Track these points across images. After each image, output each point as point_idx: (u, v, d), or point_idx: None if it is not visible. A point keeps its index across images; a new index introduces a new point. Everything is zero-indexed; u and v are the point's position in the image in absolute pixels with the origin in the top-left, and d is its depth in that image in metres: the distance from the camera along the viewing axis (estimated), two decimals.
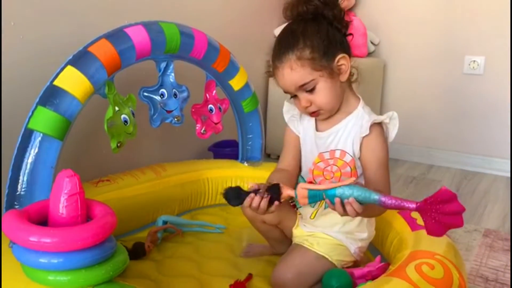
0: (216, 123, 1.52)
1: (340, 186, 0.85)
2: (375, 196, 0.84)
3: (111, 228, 0.81)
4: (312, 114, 1.02)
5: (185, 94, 1.40)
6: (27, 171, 0.99)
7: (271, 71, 1.02)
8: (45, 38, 1.27)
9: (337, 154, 1.02)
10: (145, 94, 1.32)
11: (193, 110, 1.49)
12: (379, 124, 1.00)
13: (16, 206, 0.97)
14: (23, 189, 0.98)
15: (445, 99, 2.35)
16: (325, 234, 1.06)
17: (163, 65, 1.33)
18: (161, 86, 1.35)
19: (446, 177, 2.20)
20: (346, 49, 1.00)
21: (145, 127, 1.36)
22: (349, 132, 1.01)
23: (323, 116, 1.03)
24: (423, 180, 2.15)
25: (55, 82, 1.04)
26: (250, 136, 1.62)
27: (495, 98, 2.22)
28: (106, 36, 1.14)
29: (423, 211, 0.83)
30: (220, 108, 1.52)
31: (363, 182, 1.01)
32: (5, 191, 0.99)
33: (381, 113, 2.44)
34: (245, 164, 1.61)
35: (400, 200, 0.83)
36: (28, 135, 1.00)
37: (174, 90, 1.37)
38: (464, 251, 1.40)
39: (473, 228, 1.61)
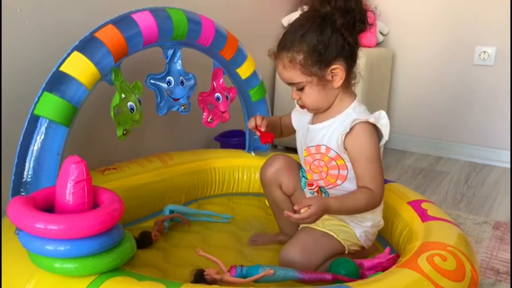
0: (223, 112, 1.50)
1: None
2: (293, 273, 0.93)
3: (118, 215, 0.80)
4: (300, 107, 1.09)
5: (192, 82, 1.38)
6: (33, 158, 0.98)
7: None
8: (51, 23, 1.26)
9: (323, 149, 1.05)
10: (152, 81, 1.31)
11: (200, 98, 1.47)
12: (366, 122, 1.00)
13: (22, 193, 0.96)
14: (29, 176, 0.97)
15: (454, 90, 2.32)
16: (330, 216, 1.08)
17: (170, 52, 1.31)
18: (168, 73, 1.33)
19: (454, 169, 2.17)
20: (348, 57, 1.00)
21: (151, 115, 1.34)
22: (334, 130, 1.04)
23: (310, 111, 1.09)
24: (431, 171, 2.13)
25: (62, 68, 1.03)
26: None
27: (506, 89, 2.18)
28: (113, 21, 1.12)
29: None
30: (227, 96, 1.50)
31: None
32: (11, 177, 0.98)
33: (389, 104, 2.44)
34: (252, 153, 1.59)
35: (316, 274, 0.94)
36: (34, 121, 0.98)
37: (181, 77, 1.35)
38: (474, 243, 1.38)
39: (483, 220, 1.59)
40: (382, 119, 1.01)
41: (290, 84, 1.03)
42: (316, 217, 0.94)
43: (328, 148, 1.04)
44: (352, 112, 1.03)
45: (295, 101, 1.08)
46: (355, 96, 1.07)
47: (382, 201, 1.08)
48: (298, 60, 0.98)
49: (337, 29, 0.97)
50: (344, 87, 1.03)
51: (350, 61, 1.01)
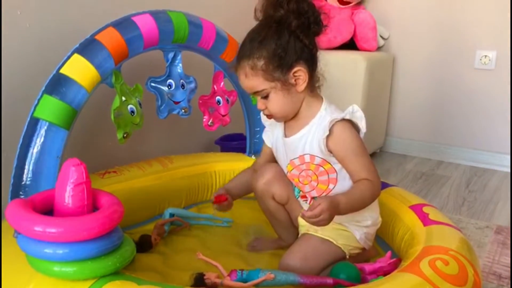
0: (223, 115, 1.50)
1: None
2: (294, 278, 0.93)
3: (118, 219, 0.79)
4: (267, 116, 1.07)
5: (192, 85, 1.38)
6: (32, 160, 0.97)
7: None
8: (51, 26, 1.26)
9: (307, 158, 1.04)
10: (153, 84, 1.30)
11: (201, 101, 1.46)
12: (342, 120, 0.99)
13: (21, 196, 0.96)
14: (28, 179, 0.97)
15: (455, 94, 2.31)
16: None
17: (170, 55, 1.31)
18: (169, 76, 1.32)
19: (455, 173, 2.17)
20: (308, 60, 1.00)
21: (152, 118, 1.34)
22: (313, 135, 1.02)
23: (278, 120, 1.08)
24: (432, 176, 2.12)
25: (62, 71, 1.02)
26: (258, 129, 1.59)
27: (507, 93, 2.18)
28: (114, 24, 1.12)
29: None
30: (228, 100, 1.50)
31: (346, 175, 1.03)
32: (10, 180, 0.97)
33: (389, 108, 2.44)
34: (253, 157, 1.59)
35: (317, 278, 0.94)
36: (33, 123, 0.98)
37: (181, 80, 1.35)
38: (476, 248, 1.37)
39: (484, 224, 1.58)
40: (356, 113, 1.00)
41: (255, 93, 1.02)
42: (328, 214, 0.90)
43: (312, 156, 1.03)
44: (325, 114, 1.02)
45: (261, 112, 1.07)
46: (322, 98, 1.06)
47: (377, 199, 1.08)
48: (259, 66, 0.97)
49: (293, 31, 0.97)
50: (309, 91, 1.02)
51: (311, 63, 1.00)
